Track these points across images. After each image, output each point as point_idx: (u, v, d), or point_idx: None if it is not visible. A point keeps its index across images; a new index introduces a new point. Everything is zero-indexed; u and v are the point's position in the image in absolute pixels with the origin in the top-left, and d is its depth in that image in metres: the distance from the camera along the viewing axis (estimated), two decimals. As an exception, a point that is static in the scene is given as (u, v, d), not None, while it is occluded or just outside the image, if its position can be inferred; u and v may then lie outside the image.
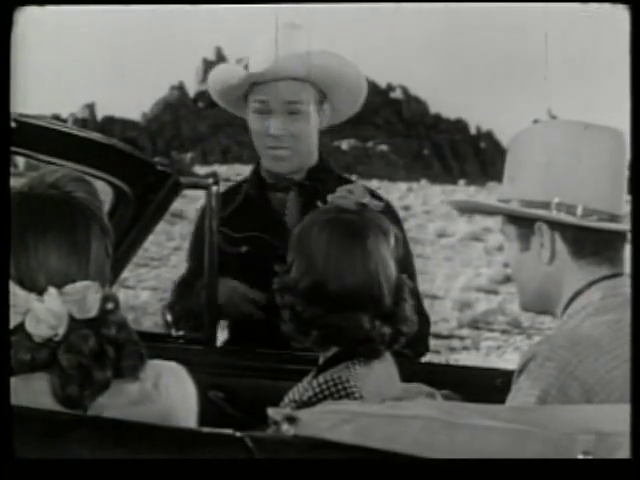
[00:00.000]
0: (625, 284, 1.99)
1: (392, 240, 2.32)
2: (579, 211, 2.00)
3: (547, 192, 2.02)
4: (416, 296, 2.54)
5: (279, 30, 3.05)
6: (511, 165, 2.10)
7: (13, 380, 1.68)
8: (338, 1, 2.28)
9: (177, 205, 3.26)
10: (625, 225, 1.97)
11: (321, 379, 2.24)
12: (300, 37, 3.06)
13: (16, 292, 1.70)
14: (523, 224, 2.05)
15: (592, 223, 1.99)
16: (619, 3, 1.86)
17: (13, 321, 1.69)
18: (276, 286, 2.31)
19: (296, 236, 2.33)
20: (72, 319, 1.70)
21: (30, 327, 1.68)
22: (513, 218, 2.07)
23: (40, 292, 1.70)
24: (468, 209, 2.28)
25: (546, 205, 2.01)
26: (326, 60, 3.06)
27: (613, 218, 2.00)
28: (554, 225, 2.01)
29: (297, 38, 3.05)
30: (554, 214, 2.01)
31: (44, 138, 2.56)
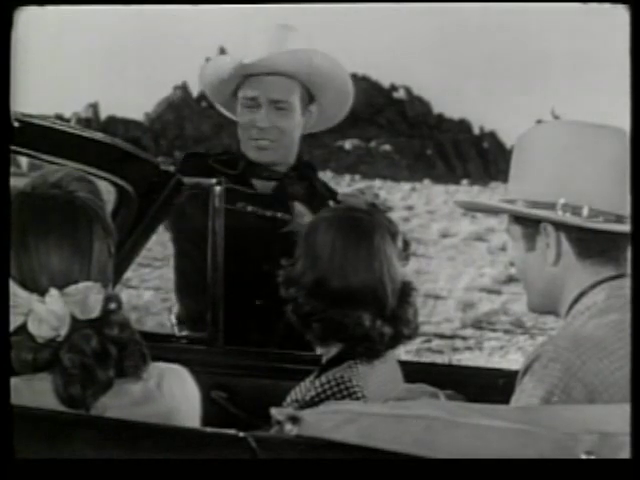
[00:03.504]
0: (629, 285, 1.98)
1: (400, 243, 2.32)
2: (585, 212, 1.99)
3: (553, 193, 2.01)
4: None
5: (273, 30, 3.11)
6: (517, 165, 2.10)
7: (16, 380, 1.68)
8: (341, 1, 2.27)
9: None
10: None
11: (323, 379, 2.25)
12: (294, 38, 3.11)
13: (18, 293, 1.70)
14: (529, 224, 2.05)
15: (598, 225, 1.98)
16: (619, 3, 1.86)
17: (15, 322, 1.69)
18: (281, 279, 2.33)
19: (305, 231, 2.34)
20: (74, 319, 1.70)
21: (32, 328, 1.68)
22: (519, 218, 2.06)
23: (42, 293, 1.70)
24: (474, 208, 2.28)
25: (552, 206, 2.01)
26: (319, 60, 3.13)
27: (619, 219, 1.99)
28: (560, 226, 2.01)
29: (291, 39, 3.10)
30: (559, 215, 2.00)
31: (47, 138, 2.56)
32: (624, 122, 1.87)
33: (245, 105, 3.12)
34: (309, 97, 3.15)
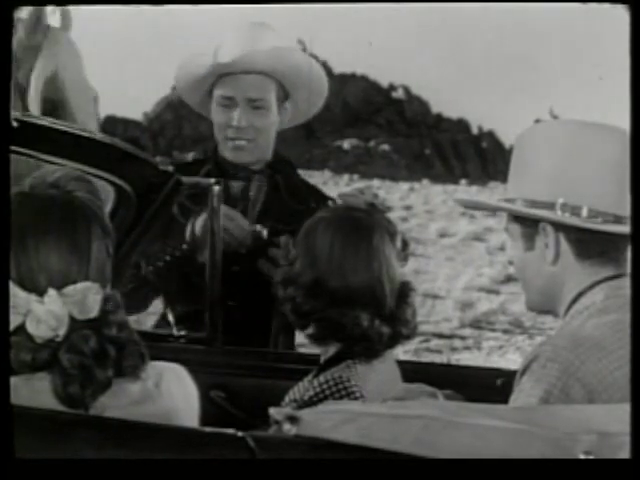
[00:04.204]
0: (628, 285, 1.98)
1: (399, 243, 2.32)
2: (584, 212, 1.99)
3: (552, 192, 2.01)
4: None
5: (248, 29, 3.11)
6: (516, 164, 2.10)
7: (15, 380, 1.68)
8: (340, 1, 2.27)
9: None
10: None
11: (322, 378, 2.25)
12: (269, 36, 3.11)
13: (16, 293, 1.69)
14: (527, 223, 2.05)
15: (597, 225, 1.98)
16: (619, 3, 1.86)
17: (14, 322, 1.69)
18: (279, 278, 2.33)
19: (303, 230, 2.34)
20: (73, 319, 1.70)
21: (31, 328, 1.68)
22: (518, 217, 2.06)
23: (41, 293, 1.70)
24: (473, 206, 2.28)
25: (551, 206, 2.01)
26: (296, 58, 3.14)
27: (618, 219, 1.99)
28: (559, 226, 2.01)
29: (266, 37, 3.10)
30: (559, 215, 2.00)
31: (45, 137, 2.55)
32: (624, 122, 1.87)
33: (221, 104, 3.12)
34: (284, 94, 3.16)
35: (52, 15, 3.33)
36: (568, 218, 1.99)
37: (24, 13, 3.24)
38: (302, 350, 3.08)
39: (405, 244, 2.35)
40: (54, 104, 3.37)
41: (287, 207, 3.13)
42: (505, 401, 1.95)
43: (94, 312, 1.72)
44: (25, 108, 3.32)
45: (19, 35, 3.27)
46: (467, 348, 10.26)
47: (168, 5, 2.04)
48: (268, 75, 3.10)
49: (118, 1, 1.97)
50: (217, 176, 3.07)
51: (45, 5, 1.96)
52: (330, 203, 2.43)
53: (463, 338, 10.74)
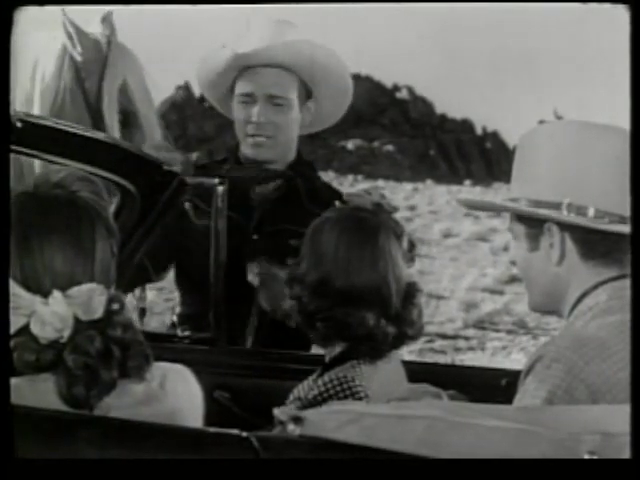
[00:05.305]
0: (632, 285, 1.98)
1: (405, 243, 2.32)
2: (590, 212, 1.99)
3: (558, 192, 2.01)
4: None
5: (272, 25, 3.09)
6: (520, 165, 2.10)
7: (19, 381, 1.68)
8: (342, 1, 2.27)
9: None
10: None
11: (326, 378, 2.25)
12: (293, 34, 3.08)
13: (21, 294, 1.69)
14: (532, 224, 2.04)
15: (604, 226, 1.98)
16: (619, 3, 1.86)
17: (18, 323, 1.68)
18: (286, 277, 2.33)
19: (310, 230, 2.35)
20: (77, 320, 1.69)
21: (35, 329, 1.68)
22: (522, 217, 2.06)
23: (45, 294, 1.69)
24: (477, 207, 2.28)
25: (557, 206, 2.01)
26: (319, 52, 3.10)
27: (623, 220, 1.99)
28: (564, 226, 2.01)
29: (290, 34, 3.07)
30: (565, 215, 2.00)
31: (49, 138, 2.56)
32: (624, 122, 1.86)
33: (241, 101, 3.09)
34: (307, 93, 3.13)
35: (97, 24, 3.37)
36: (575, 218, 1.99)
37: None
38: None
39: (412, 245, 2.35)
40: (126, 114, 3.41)
41: (305, 210, 3.08)
42: (509, 401, 1.95)
43: (99, 313, 1.72)
44: (96, 119, 3.34)
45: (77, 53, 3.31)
46: (471, 348, 10.26)
47: (168, 5, 2.04)
48: (289, 70, 3.06)
49: (119, 1, 1.98)
50: (237, 176, 3.07)
51: (45, 5, 1.96)
52: (337, 203, 2.43)
53: (467, 338, 10.74)
